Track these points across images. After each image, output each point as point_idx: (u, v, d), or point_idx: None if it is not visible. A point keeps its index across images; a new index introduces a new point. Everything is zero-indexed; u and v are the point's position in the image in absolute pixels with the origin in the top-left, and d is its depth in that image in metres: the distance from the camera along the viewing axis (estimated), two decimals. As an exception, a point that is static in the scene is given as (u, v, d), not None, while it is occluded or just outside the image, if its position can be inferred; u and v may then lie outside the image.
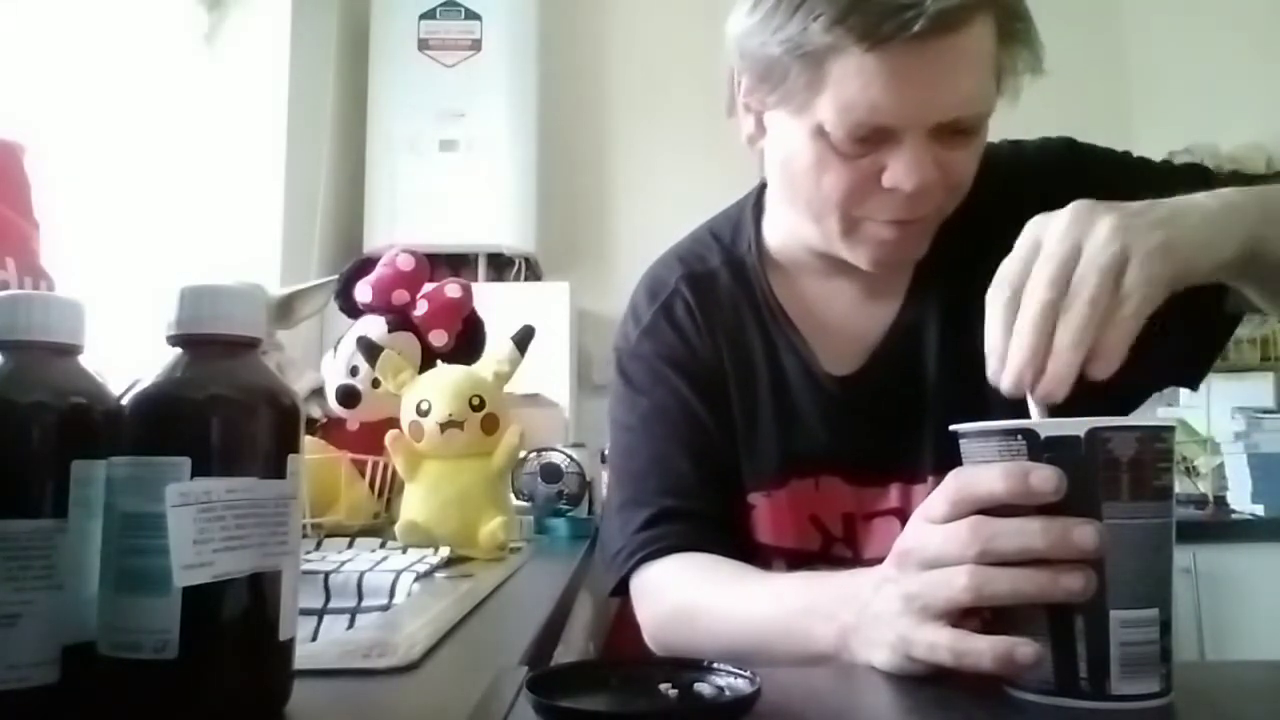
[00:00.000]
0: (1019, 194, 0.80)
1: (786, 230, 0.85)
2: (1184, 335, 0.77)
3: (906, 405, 0.80)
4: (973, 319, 0.80)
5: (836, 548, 0.82)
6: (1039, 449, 0.46)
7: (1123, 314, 0.51)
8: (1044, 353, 0.51)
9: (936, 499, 0.50)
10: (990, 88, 0.70)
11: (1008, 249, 0.78)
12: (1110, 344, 0.51)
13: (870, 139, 0.69)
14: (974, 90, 0.69)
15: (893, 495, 0.81)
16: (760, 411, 0.84)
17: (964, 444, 0.50)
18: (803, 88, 0.69)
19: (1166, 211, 0.56)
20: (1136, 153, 0.84)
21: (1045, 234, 0.53)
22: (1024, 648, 0.45)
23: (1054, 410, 0.52)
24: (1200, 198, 0.59)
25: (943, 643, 0.48)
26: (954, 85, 0.68)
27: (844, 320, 0.84)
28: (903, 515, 0.80)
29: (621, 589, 0.82)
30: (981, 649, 0.46)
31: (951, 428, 0.51)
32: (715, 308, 0.86)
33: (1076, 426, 0.46)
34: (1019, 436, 0.47)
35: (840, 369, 0.83)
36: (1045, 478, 0.45)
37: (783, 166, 0.76)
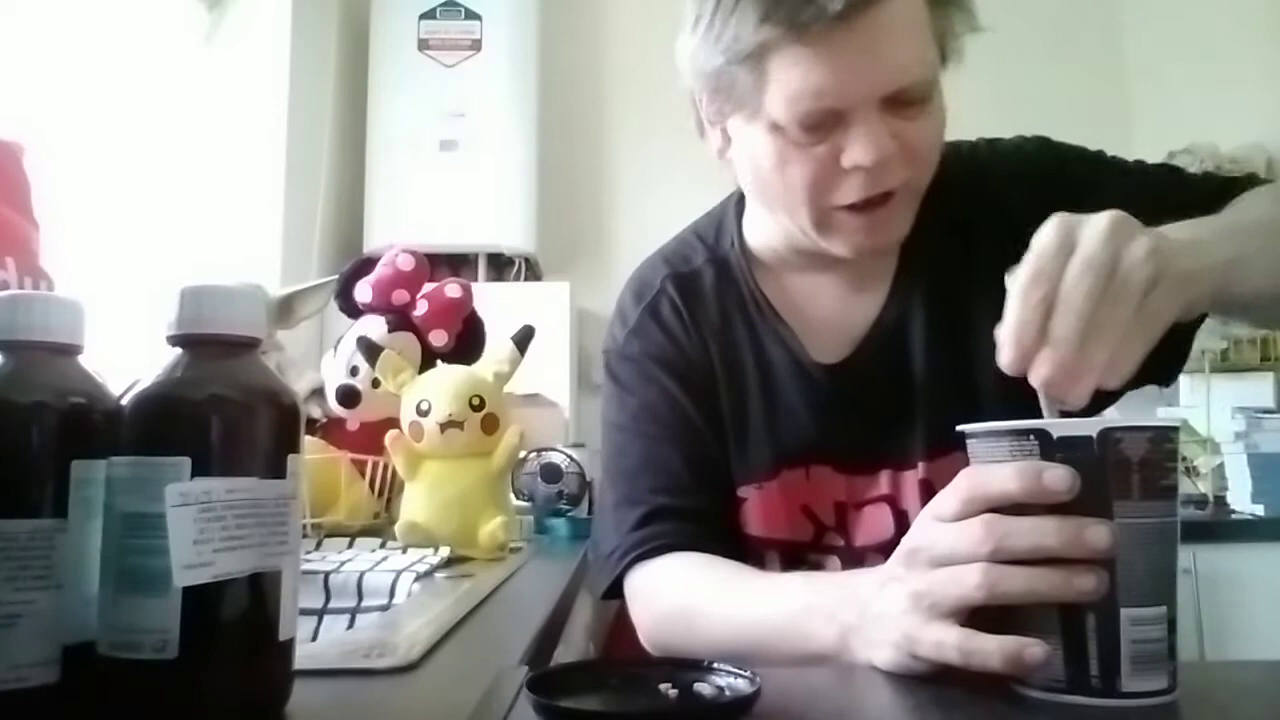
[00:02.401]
0: (997, 191, 0.81)
1: (768, 232, 0.86)
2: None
3: (894, 394, 0.81)
4: (958, 311, 0.81)
5: (828, 536, 0.83)
6: (1051, 449, 0.46)
7: (1142, 333, 0.52)
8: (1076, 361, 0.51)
9: (947, 497, 0.50)
10: (929, 54, 0.72)
11: (987, 243, 0.79)
12: (1126, 358, 0.52)
13: (823, 125, 0.71)
14: (910, 58, 0.70)
15: (883, 482, 0.82)
16: (750, 405, 0.85)
17: (972, 444, 0.50)
18: (751, 90, 0.72)
19: (1188, 239, 0.57)
20: (1136, 153, 0.85)
21: (1083, 236, 0.52)
22: (1033, 648, 0.45)
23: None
24: (1207, 228, 0.63)
25: (950, 641, 0.48)
26: (888, 57, 0.69)
27: (830, 313, 0.85)
28: (893, 502, 0.81)
29: (614, 591, 0.82)
30: (990, 648, 0.46)
31: (960, 428, 0.51)
32: (701, 305, 0.87)
33: (1089, 427, 0.46)
34: (1031, 436, 0.47)
35: (827, 358, 0.84)
36: (1059, 477, 0.45)
37: (751, 171, 0.78)
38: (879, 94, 0.69)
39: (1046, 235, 0.53)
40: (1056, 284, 0.52)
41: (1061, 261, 0.52)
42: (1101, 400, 0.83)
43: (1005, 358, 0.53)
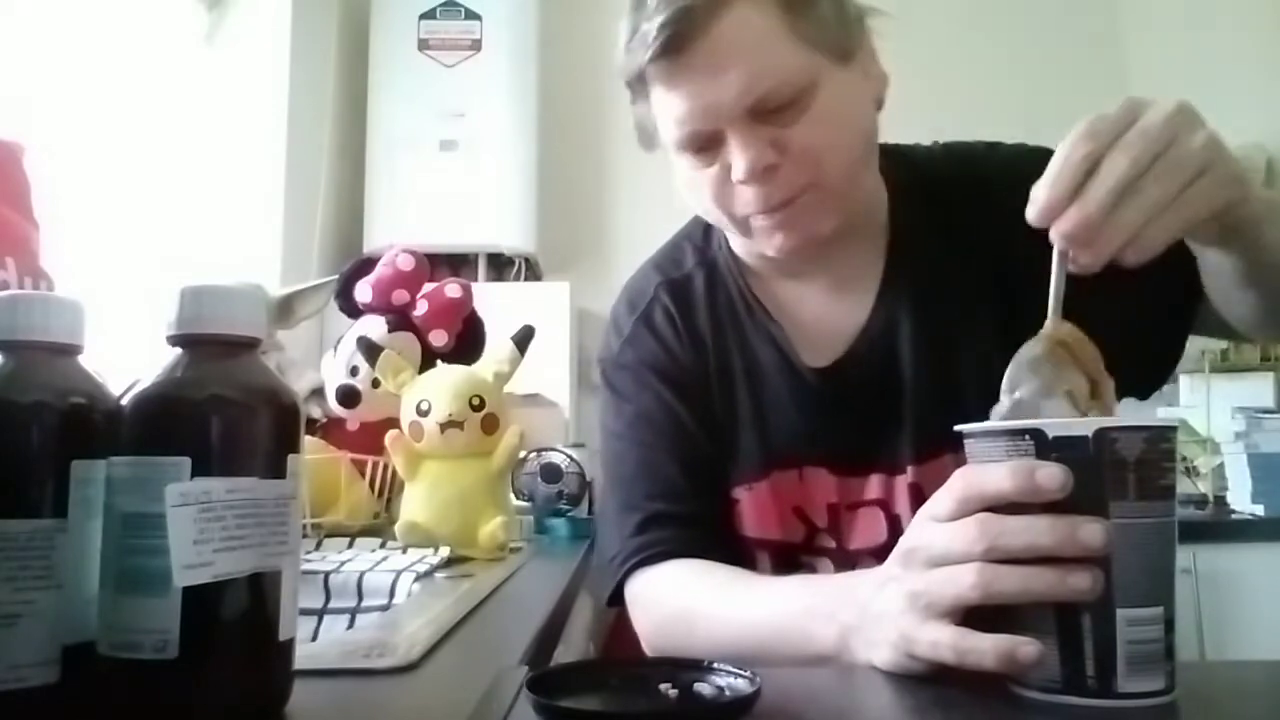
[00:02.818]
0: (994, 195, 0.80)
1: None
2: (1154, 337, 0.78)
3: (884, 398, 0.81)
4: (946, 313, 0.81)
5: (820, 538, 0.83)
6: (1047, 448, 0.46)
7: (1177, 215, 0.52)
8: (1103, 221, 0.51)
9: (942, 497, 0.50)
10: (788, 58, 0.71)
11: (980, 247, 0.79)
12: (1153, 236, 0.52)
13: (705, 145, 0.74)
14: (757, 68, 0.71)
15: (874, 486, 0.82)
16: (740, 405, 0.85)
17: (970, 444, 0.50)
18: (650, 123, 0.78)
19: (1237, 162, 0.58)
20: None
21: (1147, 113, 0.53)
22: (1026, 647, 0.45)
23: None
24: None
25: (945, 641, 0.48)
26: (731, 74, 0.71)
27: (819, 315, 0.85)
28: (885, 506, 0.81)
29: (616, 598, 0.83)
30: (984, 648, 0.46)
31: (957, 428, 0.51)
32: (694, 308, 0.88)
33: (1084, 426, 0.46)
34: (1027, 436, 0.47)
35: (818, 361, 0.84)
36: (1052, 475, 0.45)
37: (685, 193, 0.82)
38: (736, 110, 0.71)
39: (1119, 105, 0.53)
40: (1106, 147, 0.52)
41: (1119, 128, 0.52)
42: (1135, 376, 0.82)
43: (1033, 208, 0.53)
